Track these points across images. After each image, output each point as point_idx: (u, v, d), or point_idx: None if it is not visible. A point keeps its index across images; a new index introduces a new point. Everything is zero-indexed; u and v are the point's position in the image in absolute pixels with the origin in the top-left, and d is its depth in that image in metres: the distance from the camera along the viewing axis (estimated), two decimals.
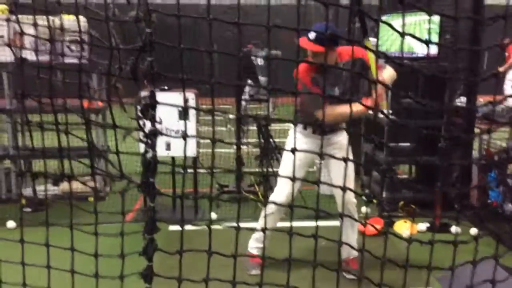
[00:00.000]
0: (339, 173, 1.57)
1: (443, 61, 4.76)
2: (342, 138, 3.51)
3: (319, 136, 3.38)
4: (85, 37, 1.38)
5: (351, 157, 3.38)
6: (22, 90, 1.38)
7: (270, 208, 3.32)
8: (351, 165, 3.53)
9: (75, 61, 1.49)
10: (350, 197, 3.38)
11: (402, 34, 1.27)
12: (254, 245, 3.67)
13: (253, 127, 5.90)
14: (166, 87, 4.51)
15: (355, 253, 3.56)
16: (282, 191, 3.43)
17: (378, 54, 1.55)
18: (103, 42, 1.26)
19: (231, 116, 8.98)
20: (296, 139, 3.19)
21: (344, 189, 1.53)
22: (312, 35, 3.05)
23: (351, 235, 3.42)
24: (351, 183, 3.46)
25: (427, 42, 1.34)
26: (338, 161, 1.63)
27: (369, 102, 3.06)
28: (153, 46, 1.21)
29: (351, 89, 3.35)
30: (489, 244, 1.62)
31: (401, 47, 1.36)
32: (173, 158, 4.46)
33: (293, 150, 1.57)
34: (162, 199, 5.21)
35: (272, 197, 3.45)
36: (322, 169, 3.67)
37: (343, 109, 3.15)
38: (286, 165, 3.51)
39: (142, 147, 1.42)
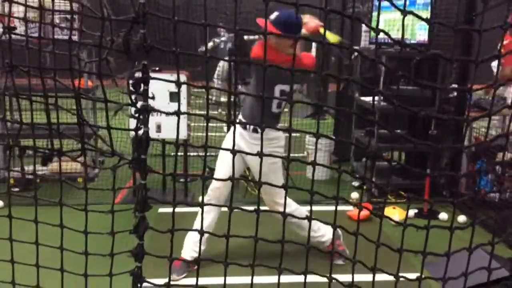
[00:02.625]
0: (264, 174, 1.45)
1: (434, 49, 4.74)
2: (280, 133, 3.28)
3: (255, 133, 3.18)
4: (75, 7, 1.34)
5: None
6: (10, 61, 1.33)
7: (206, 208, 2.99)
8: (279, 164, 3.27)
9: (66, 37, 1.45)
10: (277, 199, 3.23)
11: (404, 13, 1.25)
12: (189, 251, 3.26)
13: None
14: (157, 68, 4.47)
15: (335, 235, 3.49)
16: (215, 190, 3.31)
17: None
18: (94, 13, 1.22)
19: (222, 98, 8.98)
20: (231, 137, 3.11)
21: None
22: (272, 16, 3.03)
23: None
24: (279, 182, 3.16)
25: (429, 21, 1.32)
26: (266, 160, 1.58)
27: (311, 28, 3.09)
28: (146, 17, 1.18)
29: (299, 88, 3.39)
30: (478, 233, 1.63)
31: (402, 31, 1.34)
32: (163, 140, 4.42)
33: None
34: (152, 182, 5.17)
35: (207, 196, 3.30)
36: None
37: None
38: (221, 163, 3.34)
39: (133, 124, 1.39)
